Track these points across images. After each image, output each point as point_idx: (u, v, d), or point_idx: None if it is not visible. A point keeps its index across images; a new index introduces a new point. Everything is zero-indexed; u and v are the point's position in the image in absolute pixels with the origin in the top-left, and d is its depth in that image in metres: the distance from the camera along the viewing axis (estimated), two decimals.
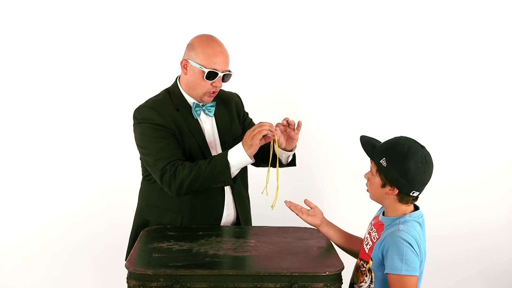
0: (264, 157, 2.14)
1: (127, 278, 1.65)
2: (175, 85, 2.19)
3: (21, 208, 2.99)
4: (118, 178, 2.94)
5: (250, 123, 2.35)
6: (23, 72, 2.92)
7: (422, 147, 1.70)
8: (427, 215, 1.80)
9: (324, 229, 1.98)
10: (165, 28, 2.91)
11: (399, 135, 1.77)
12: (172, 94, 2.17)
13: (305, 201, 2.02)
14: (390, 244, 1.66)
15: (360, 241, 1.96)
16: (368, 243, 1.79)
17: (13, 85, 2.93)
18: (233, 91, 2.38)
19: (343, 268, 1.70)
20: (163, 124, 2.07)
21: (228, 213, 2.19)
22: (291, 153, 2.14)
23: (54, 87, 2.94)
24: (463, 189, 3.09)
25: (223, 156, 1.99)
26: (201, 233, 2.00)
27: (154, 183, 2.12)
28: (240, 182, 2.23)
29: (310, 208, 1.99)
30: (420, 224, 1.73)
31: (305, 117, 3.01)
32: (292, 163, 2.20)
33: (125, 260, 2.19)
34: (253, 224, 2.31)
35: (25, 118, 2.95)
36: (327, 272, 1.65)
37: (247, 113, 2.39)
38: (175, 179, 1.99)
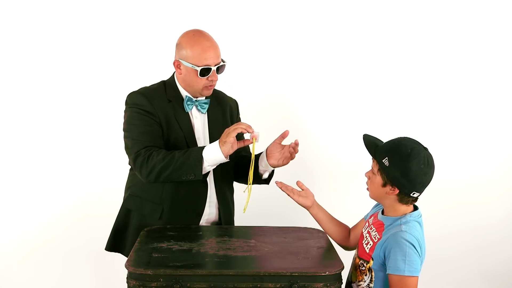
0: (241, 172, 2.21)
1: (127, 278, 1.65)
2: (171, 78, 2.21)
3: (20, 208, 2.99)
4: (118, 177, 2.93)
5: (242, 136, 2.35)
6: (15, 73, 2.92)
7: (425, 148, 1.71)
8: (427, 215, 1.81)
9: (314, 211, 2.00)
10: (161, 27, 2.91)
11: (402, 136, 1.77)
12: (167, 86, 2.18)
13: (297, 183, 2.03)
14: (393, 245, 1.67)
15: (347, 229, 1.99)
16: (368, 242, 1.79)
17: (8, 87, 2.93)
18: (233, 97, 2.38)
19: (343, 268, 1.70)
20: (151, 111, 2.08)
21: (210, 211, 2.19)
22: (271, 169, 2.17)
23: (52, 89, 2.95)
24: (463, 188, 3.09)
25: (199, 150, 1.99)
26: (201, 233, 2.00)
27: None
28: (225, 184, 2.23)
29: (301, 190, 2.01)
30: (419, 224, 1.74)
31: (300, 119, 3.04)
32: (267, 180, 2.22)
33: (105, 249, 2.22)
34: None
35: (24, 118, 2.95)
36: (327, 272, 1.65)
37: None
38: (147, 163, 1.99)
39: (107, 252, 2.25)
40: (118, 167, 2.91)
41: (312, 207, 2.00)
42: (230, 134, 1.95)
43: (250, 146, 2.03)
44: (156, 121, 2.09)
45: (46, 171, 2.99)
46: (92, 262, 3.04)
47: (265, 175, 2.19)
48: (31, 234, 3.00)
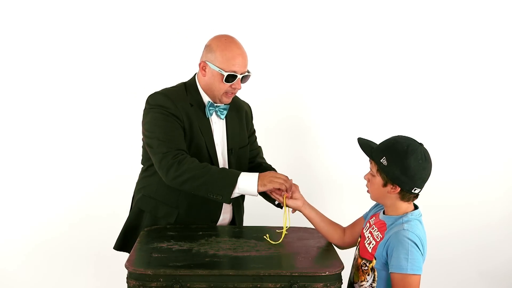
0: None
1: (127, 278, 1.65)
2: (192, 81, 2.17)
3: (21, 208, 2.99)
4: (119, 177, 2.94)
5: (254, 142, 2.36)
6: (17, 73, 2.93)
7: (420, 144, 1.72)
8: (427, 214, 1.81)
9: (307, 211, 2.00)
10: (165, 29, 2.91)
11: (397, 135, 1.78)
12: (188, 89, 2.14)
13: None
14: (396, 244, 1.67)
15: (341, 228, 1.99)
16: (370, 242, 1.80)
17: (13, 87, 2.94)
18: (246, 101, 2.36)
19: (343, 268, 1.70)
20: (175, 114, 2.05)
21: (224, 217, 2.20)
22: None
23: (53, 89, 2.95)
24: (463, 188, 3.10)
25: (235, 174, 1.95)
26: (201, 233, 2.00)
27: (154, 175, 2.10)
28: None
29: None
30: (420, 223, 1.75)
31: (307, 119, 3.04)
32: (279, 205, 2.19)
33: (113, 248, 2.19)
34: (244, 224, 2.31)
35: (25, 118, 2.95)
36: (327, 272, 1.65)
37: (254, 130, 2.37)
38: (178, 165, 1.94)
39: (107, 252, 2.25)
40: (120, 168, 2.93)
41: (303, 207, 2.00)
42: (274, 182, 1.93)
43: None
44: (180, 125, 2.05)
45: (48, 172, 2.98)
46: (92, 262, 3.04)
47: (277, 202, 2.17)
48: (32, 234, 3.00)
